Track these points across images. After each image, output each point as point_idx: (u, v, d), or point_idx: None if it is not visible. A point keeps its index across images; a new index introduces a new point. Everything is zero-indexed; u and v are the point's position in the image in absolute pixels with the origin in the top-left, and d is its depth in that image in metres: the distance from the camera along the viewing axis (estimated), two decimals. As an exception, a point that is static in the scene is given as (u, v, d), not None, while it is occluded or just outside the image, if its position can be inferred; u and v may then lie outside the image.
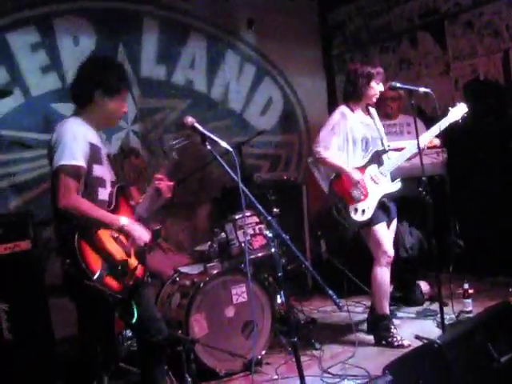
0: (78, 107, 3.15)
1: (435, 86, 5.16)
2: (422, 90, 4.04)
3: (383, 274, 4.32)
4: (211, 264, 4.32)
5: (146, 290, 3.19)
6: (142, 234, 3.08)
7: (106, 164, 3.17)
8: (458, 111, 4.26)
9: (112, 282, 2.89)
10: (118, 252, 2.97)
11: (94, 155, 3.02)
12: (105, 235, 2.94)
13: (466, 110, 4.27)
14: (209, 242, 4.45)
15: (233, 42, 6.56)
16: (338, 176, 4.32)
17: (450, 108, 4.27)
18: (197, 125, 3.04)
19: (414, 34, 6.43)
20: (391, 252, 4.32)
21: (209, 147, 3.00)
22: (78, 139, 2.94)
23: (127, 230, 3.01)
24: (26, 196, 5.10)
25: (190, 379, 3.71)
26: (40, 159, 5.17)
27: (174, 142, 3.26)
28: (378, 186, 4.30)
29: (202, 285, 4.00)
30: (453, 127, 4.22)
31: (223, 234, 4.43)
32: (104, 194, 3.08)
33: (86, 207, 2.89)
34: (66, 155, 2.89)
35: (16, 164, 5.07)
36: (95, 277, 2.80)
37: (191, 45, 6.20)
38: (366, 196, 4.25)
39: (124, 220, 3.01)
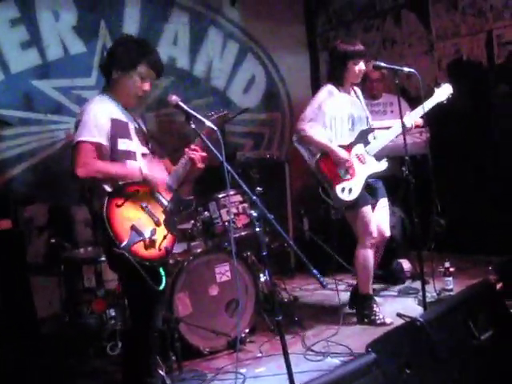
0: (106, 83, 3.22)
1: (419, 66, 5.17)
2: (406, 69, 4.00)
3: (367, 255, 4.32)
4: (195, 243, 4.33)
5: None
6: (158, 176, 3.12)
7: (136, 138, 3.20)
8: (443, 92, 4.24)
9: (140, 250, 2.93)
10: (146, 221, 3.01)
11: (118, 130, 3.08)
12: (134, 205, 3.00)
13: (451, 91, 4.25)
14: (192, 221, 4.44)
15: (216, 19, 6.48)
16: (325, 154, 4.25)
17: (435, 89, 4.25)
18: (181, 103, 3.03)
19: (398, 13, 6.41)
20: (375, 234, 4.31)
21: (193, 126, 2.99)
22: (97, 117, 3.02)
23: (146, 176, 3.06)
24: (7, 175, 5.03)
25: (174, 357, 3.73)
26: (21, 137, 5.13)
27: (213, 113, 3.31)
28: (365, 165, 4.28)
29: (185, 264, 4.00)
30: (436, 107, 4.21)
31: (206, 213, 4.42)
32: (134, 165, 3.13)
33: (103, 166, 2.99)
34: (85, 132, 2.98)
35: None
36: (123, 245, 2.86)
37: (174, 21, 6.13)
38: (352, 175, 4.22)
39: (144, 167, 3.06)
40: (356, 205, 4.24)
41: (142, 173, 3.06)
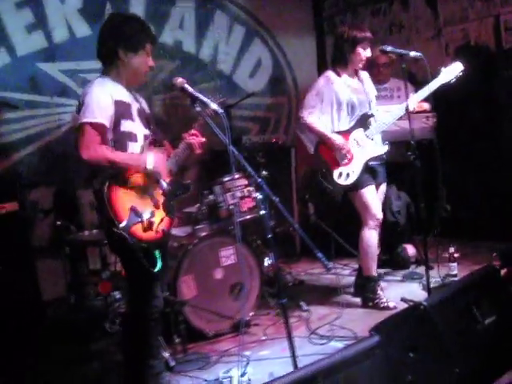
0: (106, 66, 3.17)
1: (426, 51, 5.12)
2: (413, 54, 3.95)
3: (371, 236, 4.36)
4: (199, 226, 4.34)
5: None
6: (161, 170, 3.11)
7: (138, 119, 3.19)
8: (452, 71, 4.12)
9: (138, 231, 2.95)
10: (146, 203, 3.03)
11: (121, 111, 3.07)
12: (134, 187, 3.00)
13: (462, 68, 4.12)
14: (197, 204, 4.44)
15: (222, 2, 6.43)
16: (323, 141, 4.32)
17: (442, 68, 4.15)
18: (187, 86, 3.02)
19: (405, -3, 6.36)
20: (379, 215, 4.34)
21: (198, 109, 2.99)
22: (100, 99, 2.99)
23: (153, 171, 3.04)
24: (13, 157, 5.03)
25: (178, 340, 3.76)
26: (27, 120, 5.12)
27: (212, 98, 3.27)
28: (364, 149, 4.28)
29: (190, 247, 4.01)
30: (443, 92, 4.16)
31: (211, 197, 4.42)
32: (134, 147, 3.12)
33: (109, 154, 2.96)
34: (88, 114, 2.96)
35: (2, 125, 4.99)
36: (122, 225, 2.87)
37: (180, 4, 6.08)
38: (350, 160, 4.25)
39: (150, 161, 3.03)
40: (355, 187, 4.28)
41: (146, 167, 3.02)
